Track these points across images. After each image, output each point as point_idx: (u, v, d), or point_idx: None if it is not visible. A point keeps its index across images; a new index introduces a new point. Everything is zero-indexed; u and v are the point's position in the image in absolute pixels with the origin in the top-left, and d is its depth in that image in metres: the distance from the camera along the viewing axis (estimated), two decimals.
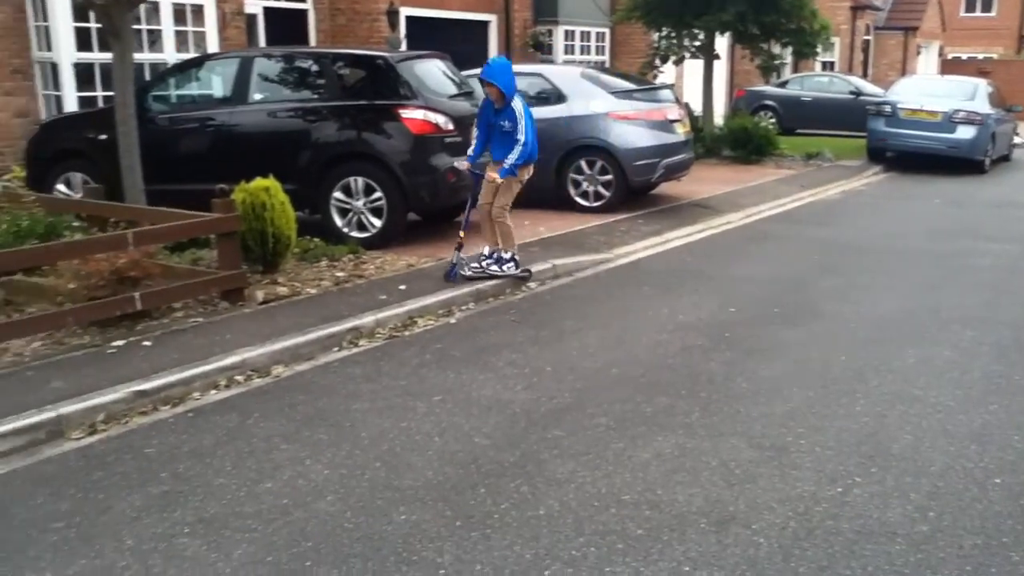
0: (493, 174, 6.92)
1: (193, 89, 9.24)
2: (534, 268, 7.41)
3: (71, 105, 9.91)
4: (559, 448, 4.19)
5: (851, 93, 20.48)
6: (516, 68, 12.03)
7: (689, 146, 11.34)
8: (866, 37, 30.91)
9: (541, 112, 10.43)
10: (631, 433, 4.34)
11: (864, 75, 27.60)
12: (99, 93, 10.14)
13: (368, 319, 5.97)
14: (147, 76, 10.13)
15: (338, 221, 8.23)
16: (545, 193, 10.31)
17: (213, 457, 4.13)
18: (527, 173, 7.14)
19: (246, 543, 3.40)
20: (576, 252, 8.14)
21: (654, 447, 4.19)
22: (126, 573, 3.22)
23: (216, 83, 9.14)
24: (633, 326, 6.12)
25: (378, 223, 8.16)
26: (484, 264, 7.13)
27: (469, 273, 7.01)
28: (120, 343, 5.41)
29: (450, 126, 8.29)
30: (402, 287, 6.75)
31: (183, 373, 4.94)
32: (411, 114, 8.15)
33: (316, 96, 8.53)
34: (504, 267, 7.14)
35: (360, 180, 8.16)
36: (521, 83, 10.96)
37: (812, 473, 3.93)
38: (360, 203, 8.18)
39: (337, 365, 5.40)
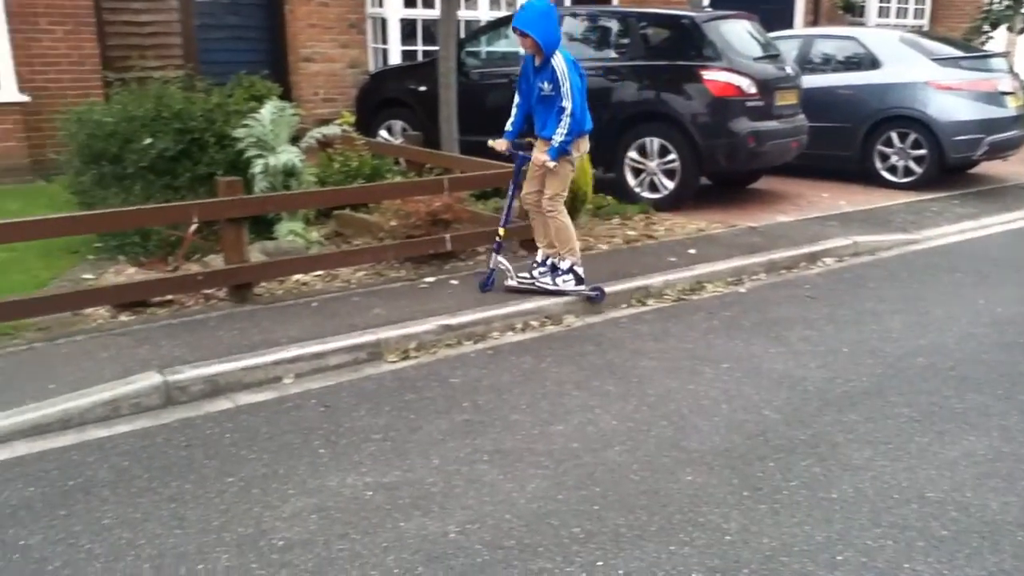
0: (542, 156, 5.41)
1: (502, 46, 9.69)
2: (831, 243, 7.04)
3: (395, 58, 10.78)
4: (855, 433, 3.99)
5: None
6: (827, 31, 11.53)
7: (1021, 122, 10.15)
8: None
9: (851, 78, 9.85)
10: (937, 428, 4.04)
11: None
12: (419, 48, 10.93)
13: (657, 279, 6.01)
14: (462, 33, 10.74)
15: (631, 180, 8.32)
16: (847, 164, 9.76)
17: (510, 394, 4.40)
18: (580, 149, 5.64)
19: (539, 479, 3.59)
20: (879, 230, 7.62)
21: (964, 446, 3.87)
22: (433, 489, 3.52)
23: None
24: (942, 314, 5.64)
25: (670, 185, 8.15)
26: (536, 274, 5.70)
27: (514, 284, 5.63)
28: (431, 280, 5.90)
29: (753, 89, 8.06)
30: (691, 251, 6.71)
31: (485, 313, 5.27)
32: (713, 76, 8.01)
33: (618, 55, 8.62)
34: (559, 279, 5.59)
35: (656, 141, 8.18)
36: (829, 47, 10.46)
37: None
38: (654, 164, 8.21)
39: (625, 321, 5.50)
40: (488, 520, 3.29)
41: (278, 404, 4.32)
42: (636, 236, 7.13)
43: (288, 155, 6.24)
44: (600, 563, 3.03)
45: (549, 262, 5.69)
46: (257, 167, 6.24)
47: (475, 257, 6.45)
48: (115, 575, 2.96)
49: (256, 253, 5.86)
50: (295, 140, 6.70)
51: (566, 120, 5.28)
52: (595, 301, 5.60)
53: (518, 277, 5.66)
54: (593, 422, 4.10)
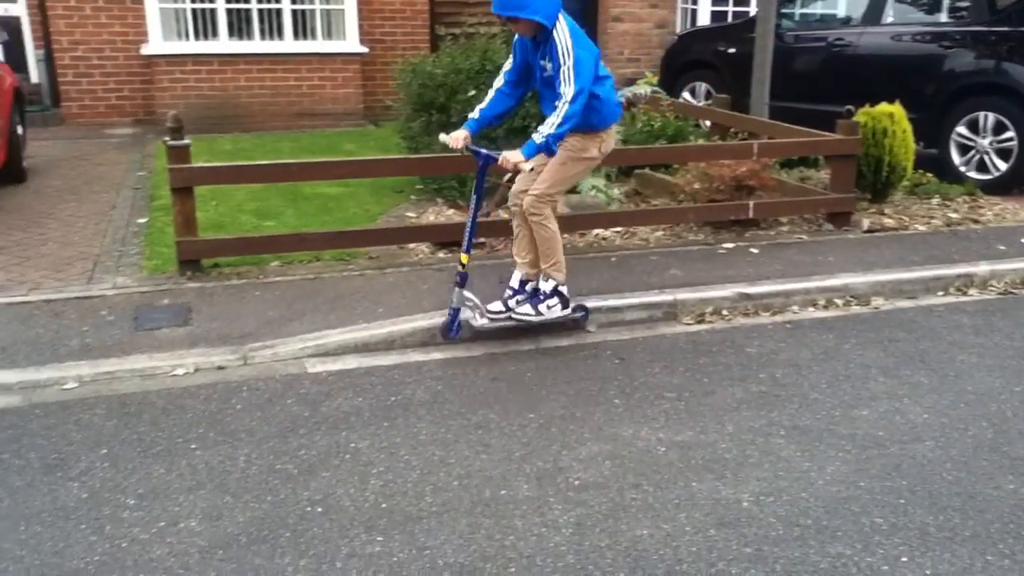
0: (513, 154, 4.08)
1: (819, 8, 9.20)
2: None
3: (704, 19, 10.59)
4: None
5: None
6: None
7: None
8: None
9: None
10: None
11: None
12: (729, 8, 10.64)
13: (982, 268, 5.49)
14: None
15: (956, 158, 7.60)
16: None
17: (809, 371, 4.25)
18: (597, 147, 4.34)
19: (839, 462, 3.46)
20: None
21: None
22: (726, 455, 3.51)
23: (845, 3, 8.96)
24: None
25: (1003, 166, 7.35)
26: (512, 304, 4.50)
27: (485, 322, 4.42)
28: (729, 246, 5.80)
29: None
30: None
31: (785, 285, 5.11)
32: None
33: (954, 20, 7.88)
34: (543, 307, 4.45)
35: (991, 116, 7.39)
36: None
37: None
38: (986, 141, 7.43)
39: (942, 309, 5.09)
40: (783, 495, 3.23)
41: (577, 350, 4.49)
42: (959, 219, 6.53)
43: None
44: (904, 559, 2.88)
45: (529, 287, 4.56)
46: None
47: (777, 227, 6.24)
48: (428, 487, 3.26)
49: (560, 206, 6.07)
50: None
51: (563, 108, 4.00)
52: (580, 323, 4.70)
53: (489, 314, 4.45)
54: (901, 412, 3.86)
